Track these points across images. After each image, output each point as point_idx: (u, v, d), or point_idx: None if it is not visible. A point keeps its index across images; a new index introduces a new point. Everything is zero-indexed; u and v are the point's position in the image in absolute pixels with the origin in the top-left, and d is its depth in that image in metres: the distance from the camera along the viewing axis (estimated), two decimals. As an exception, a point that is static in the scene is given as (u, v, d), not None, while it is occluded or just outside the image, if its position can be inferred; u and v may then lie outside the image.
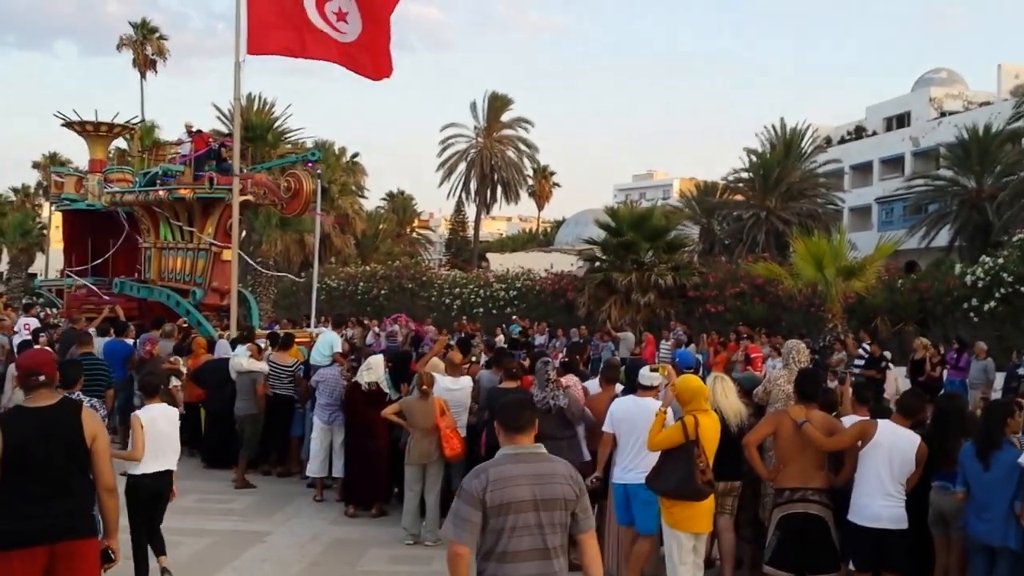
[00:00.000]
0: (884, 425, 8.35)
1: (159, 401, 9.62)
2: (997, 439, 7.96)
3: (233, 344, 17.19)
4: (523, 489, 5.33)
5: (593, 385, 11.65)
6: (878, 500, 8.16)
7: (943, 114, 61.06)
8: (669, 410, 8.73)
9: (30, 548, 6.07)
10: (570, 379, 11.31)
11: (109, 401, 12.50)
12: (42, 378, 6.35)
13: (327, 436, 13.50)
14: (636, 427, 9.03)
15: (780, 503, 8.60)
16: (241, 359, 14.94)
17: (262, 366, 14.94)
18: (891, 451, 8.21)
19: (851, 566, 8.48)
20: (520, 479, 5.35)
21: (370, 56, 17.83)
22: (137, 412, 9.48)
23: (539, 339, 29.14)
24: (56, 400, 6.39)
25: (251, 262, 31.42)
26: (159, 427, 9.32)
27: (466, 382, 12.41)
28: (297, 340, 18.35)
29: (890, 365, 21.36)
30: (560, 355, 18.02)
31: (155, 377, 10.39)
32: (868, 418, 8.82)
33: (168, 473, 9.44)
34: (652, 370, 9.86)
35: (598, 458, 9.84)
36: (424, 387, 11.55)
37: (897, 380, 20.51)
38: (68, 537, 6.19)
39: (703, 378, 9.70)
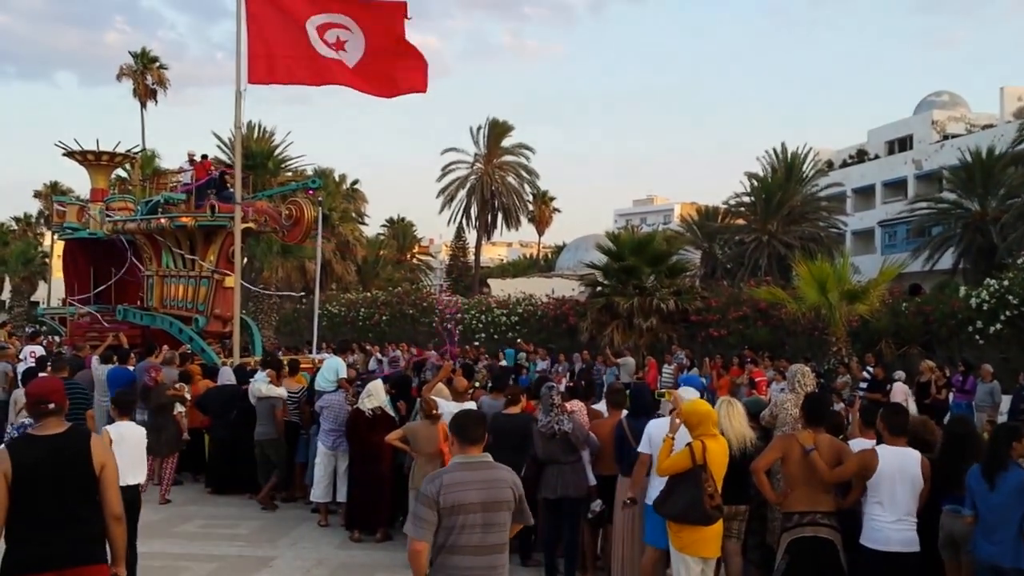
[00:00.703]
0: (884, 451, 8.26)
1: (129, 420, 9.78)
2: (1003, 461, 7.91)
3: (239, 372, 17.20)
4: (472, 493, 6.10)
5: (603, 407, 11.63)
6: (890, 524, 8.09)
7: (945, 137, 61.25)
8: (680, 431, 8.71)
9: (40, 575, 6.08)
10: (575, 404, 11.26)
11: (90, 422, 12.47)
12: (51, 406, 6.36)
13: (331, 461, 13.48)
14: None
15: (789, 527, 8.52)
16: (260, 385, 14.98)
17: (281, 391, 15.00)
18: (900, 474, 8.15)
19: None
20: (469, 484, 6.13)
21: (377, 78, 17.95)
22: (108, 427, 9.79)
23: (541, 364, 29.16)
24: (65, 428, 6.39)
25: (252, 288, 31.46)
26: (127, 443, 9.66)
27: (470, 407, 12.39)
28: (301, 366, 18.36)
29: (894, 384, 21.36)
30: (563, 380, 18.03)
31: (130, 396, 10.54)
32: (873, 442, 8.77)
33: (136, 487, 9.81)
34: (660, 395, 9.85)
35: (633, 479, 9.71)
36: (434, 411, 11.55)
37: (907, 398, 20.54)
38: (77, 564, 6.20)
39: (710, 403, 9.66)
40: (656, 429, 9.40)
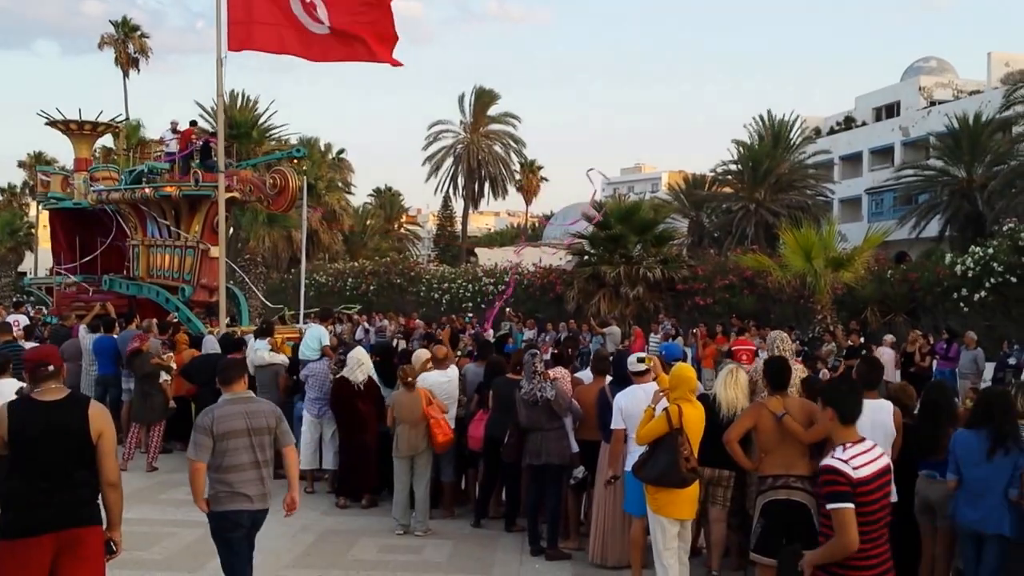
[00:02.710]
0: None
1: (9, 376, 9.81)
2: (1009, 438, 7.84)
3: (224, 343, 17.21)
4: (238, 421, 7.63)
5: (585, 376, 11.67)
6: None
7: (933, 103, 61.26)
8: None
9: (38, 536, 6.22)
10: (558, 371, 11.33)
11: None
12: (50, 368, 6.53)
13: (317, 429, 13.54)
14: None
15: (763, 490, 8.55)
16: (263, 353, 15.03)
17: (283, 359, 15.13)
18: (873, 425, 8.13)
19: None
20: (235, 415, 7.67)
21: (355, 42, 17.87)
22: None
23: (528, 333, 29.21)
24: (64, 395, 6.51)
25: (235, 267, 31.40)
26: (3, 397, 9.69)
27: (453, 373, 12.45)
28: (286, 336, 18.35)
29: (879, 348, 21.50)
30: (550, 349, 18.05)
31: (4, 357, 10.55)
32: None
33: None
34: (640, 360, 9.89)
35: (611, 455, 9.71)
36: (409, 379, 11.60)
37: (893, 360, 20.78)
38: (73, 525, 6.33)
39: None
40: (625, 401, 9.43)
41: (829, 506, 5.71)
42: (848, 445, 5.85)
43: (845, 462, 5.71)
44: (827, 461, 5.81)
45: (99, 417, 6.51)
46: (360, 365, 12.89)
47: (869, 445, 5.98)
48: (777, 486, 8.39)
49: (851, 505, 5.63)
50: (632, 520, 9.48)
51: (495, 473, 12.00)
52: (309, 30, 17.85)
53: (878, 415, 8.28)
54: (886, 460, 6.04)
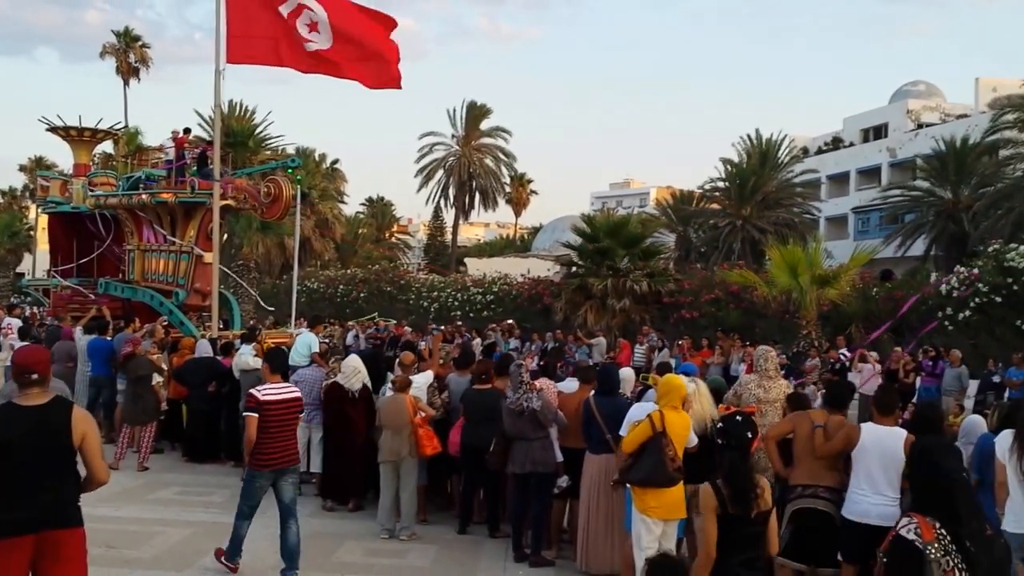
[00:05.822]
0: (867, 428, 8.59)
1: None
2: None
3: (215, 345, 17.43)
4: None
5: (566, 386, 11.85)
6: (868, 498, 8.35)
7: (920, 126, 61.67)
8: (642, 405, 9.11)
9: (18, 537, 6.24)
10: (544, 382, 11.42)
11: None
12: (35, 376, 6.48)
13: (305, 433, 13.63)
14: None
15: (792, 498, 8.94)
16: (247, 358, 15.21)
17: None
18: (881, 452, 8.41)
19: (839, 556, 8.66)
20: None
21: (358, 65, 18.18)
22: None
23: (513, 343, 29.41)
24: (48, 399, 6.51)
25: (228, 272, 31.55)
26: None
27: (421, 380, 12.66)
28: (278, 340, 18.57)
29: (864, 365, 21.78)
30: (534, 358, 18.31)
31: None
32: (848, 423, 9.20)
33: None
34: (645, 378, 10.19)
35: (617, 461, 9.74)
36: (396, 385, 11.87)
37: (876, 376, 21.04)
38: (55, 527, 6.36)
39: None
40: (638, 412, 9.54)
41: (243, 413, 9.40)
42: (269, 384, 9.68)
43: (259, 391, 9.44)
44: (250, 390, 9.70)
45: (82, 421, 6.55)
46: (356, 373, 13.02)
47: (284, 386, 9.89)
48: (805, 495, 8.81)
49: (255, 415, 9.37)
50: (629, 537, 9.54)
51: (472, 480, 12.20)
52: (306, 41, 18.14)
53: (886, 441, 8.44)
54: (294, 395, 9.88)
